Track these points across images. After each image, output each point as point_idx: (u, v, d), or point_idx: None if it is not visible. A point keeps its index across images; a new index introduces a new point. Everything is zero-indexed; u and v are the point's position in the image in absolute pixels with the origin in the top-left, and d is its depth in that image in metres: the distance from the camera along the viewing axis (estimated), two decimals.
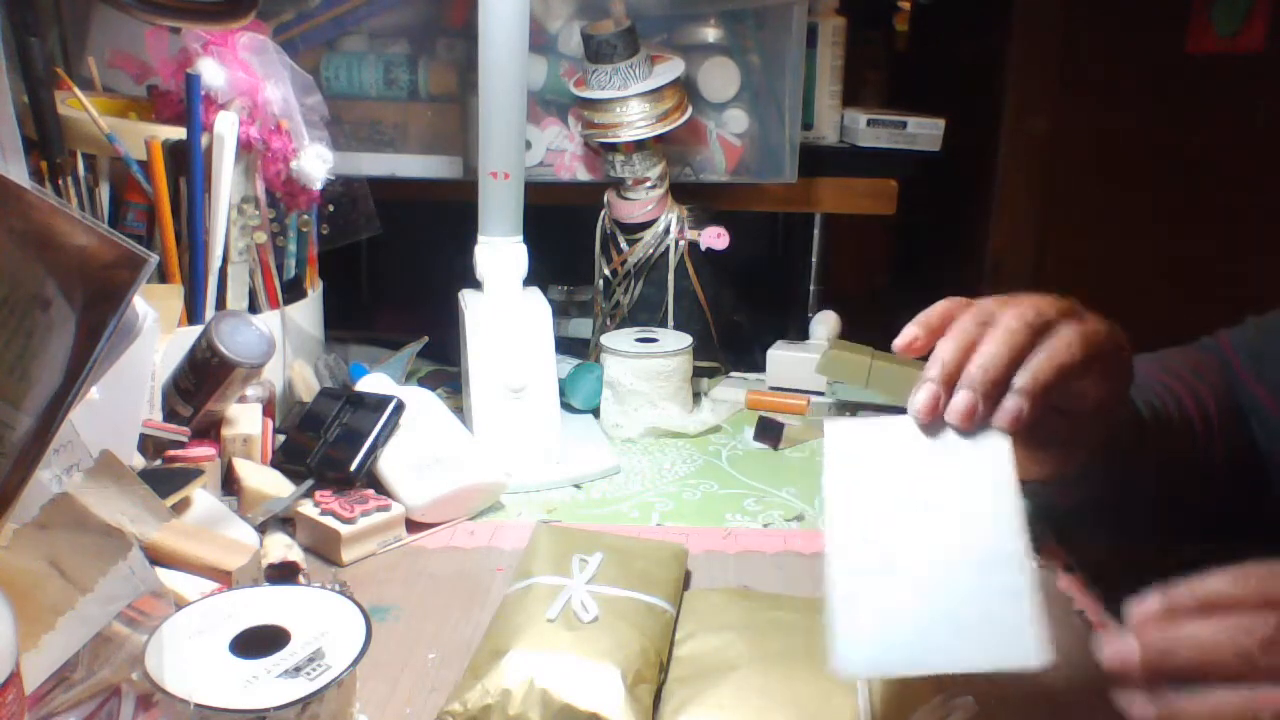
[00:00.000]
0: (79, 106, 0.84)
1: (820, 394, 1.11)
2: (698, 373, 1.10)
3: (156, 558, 0.61)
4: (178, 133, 0.86)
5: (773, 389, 1.13)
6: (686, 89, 1.09)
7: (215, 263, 0.88)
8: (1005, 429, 0.53)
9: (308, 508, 0.77)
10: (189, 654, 0.49)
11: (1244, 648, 0.41)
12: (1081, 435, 0.63)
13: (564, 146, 1.15)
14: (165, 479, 0.71)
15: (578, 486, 0.91)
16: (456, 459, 0.84)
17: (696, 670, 0.59)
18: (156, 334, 0.77)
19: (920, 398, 0.53)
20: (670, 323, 1.12)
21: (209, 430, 0.83)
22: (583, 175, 1.16)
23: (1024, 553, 0.49)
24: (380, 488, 0.81)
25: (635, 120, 1.04)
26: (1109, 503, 0.70)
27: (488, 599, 0.71)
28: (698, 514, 0.86)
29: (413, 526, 0.80)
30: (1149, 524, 0.73)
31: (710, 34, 1.15)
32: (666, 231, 1.10)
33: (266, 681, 0.47)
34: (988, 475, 0.52)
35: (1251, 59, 1.64)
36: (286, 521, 0.78)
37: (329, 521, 0.75)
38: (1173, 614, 0.43)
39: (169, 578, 0.60)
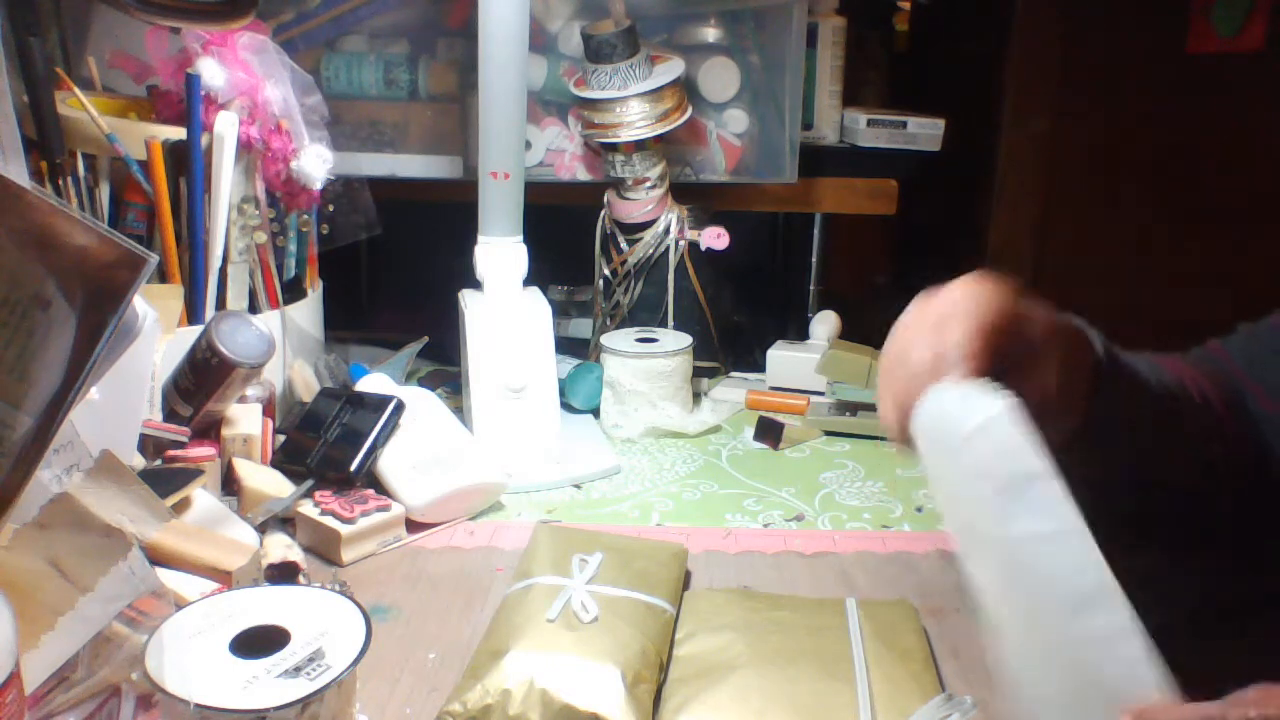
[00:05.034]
0: (79, 106, 0.84)
1: (820, 394, 1.11)
2: (698, 373, 1.10)
3: (156, 558, 0.61)
4: (178, 133, 0.86)
5: (773, 389, 1.13)
6: (686, 89, 1.09)
7: (215, 263, 0.88)
8: None
9: (308, 508, 0.77)
10: (189, 654, 0.49)
11: None
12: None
13: (564, 146, 1.15)
14: (165, 479, 0.71)
15: (578, 486, 0.91)
16: (456, 459, 0.84)
17: (696, 670, 0.59)
18: (156, 334, 0.77)
19: None
20: (670, 323, 1.12)
21: (209, 430, 0.83)
22: (583, 175, 1.16)
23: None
24: (380, 488, 0.81)
25: (635, 120, 1.04)
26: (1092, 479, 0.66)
27: (488, 599, 0.71)
28: (698, 514, 0.86)
29: (413, 526, 0.80)
30: (1134, 509, 0.70)
31: (710, 34, 1.15)
32: (666, 231, 1.10)
33: (266, 681, 0.47)
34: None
35: (1251, 59, 1.64)
36: (286, 521, 0.78)
37: (329, 521, 0.75)
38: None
39: (169, 578, 0.60)
